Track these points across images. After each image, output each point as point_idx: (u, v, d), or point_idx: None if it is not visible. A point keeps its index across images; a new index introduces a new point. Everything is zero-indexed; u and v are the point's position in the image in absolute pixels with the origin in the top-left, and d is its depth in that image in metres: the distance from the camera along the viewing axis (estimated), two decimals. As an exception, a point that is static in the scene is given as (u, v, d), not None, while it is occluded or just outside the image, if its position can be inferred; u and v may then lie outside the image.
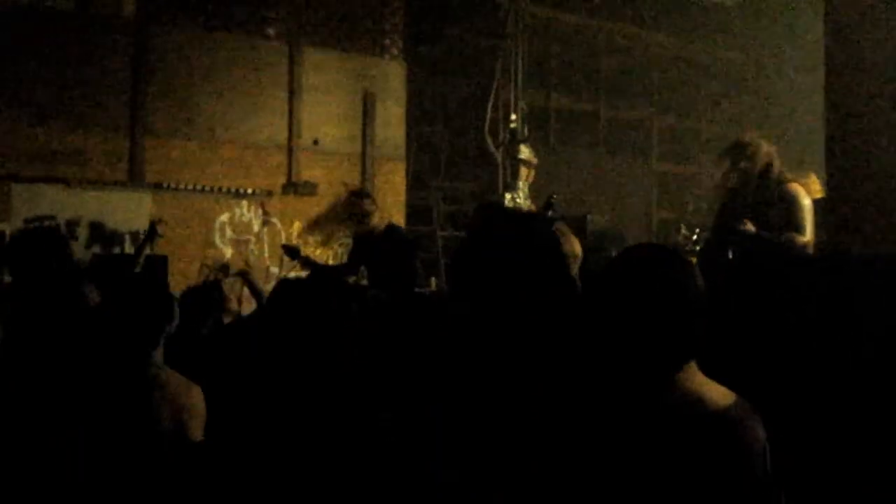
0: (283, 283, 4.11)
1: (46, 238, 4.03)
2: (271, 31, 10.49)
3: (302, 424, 2.94)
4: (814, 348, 2.33)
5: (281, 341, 3.55)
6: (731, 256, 4.73)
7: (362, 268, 6.81)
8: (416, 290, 7.03)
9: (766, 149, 5.15)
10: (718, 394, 1.97)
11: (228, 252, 9.98)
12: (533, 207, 10.17)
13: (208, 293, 5.37)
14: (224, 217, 10.02)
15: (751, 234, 4.91)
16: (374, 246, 6.80)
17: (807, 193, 5.15)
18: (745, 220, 4.94)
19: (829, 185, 4.47)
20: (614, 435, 1.94)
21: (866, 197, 3.94)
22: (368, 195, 7.25)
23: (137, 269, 7.03)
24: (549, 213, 6.57)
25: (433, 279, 11.03)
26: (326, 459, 2.85)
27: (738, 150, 5.22)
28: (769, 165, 5.10)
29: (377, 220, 6.90)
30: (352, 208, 6.98)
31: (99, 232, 9.36)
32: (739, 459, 1.88)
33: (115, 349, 3.00)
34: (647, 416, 1.93)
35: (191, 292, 5.36)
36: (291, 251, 7.62)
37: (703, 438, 1.88)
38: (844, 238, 4.04)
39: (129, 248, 9.30)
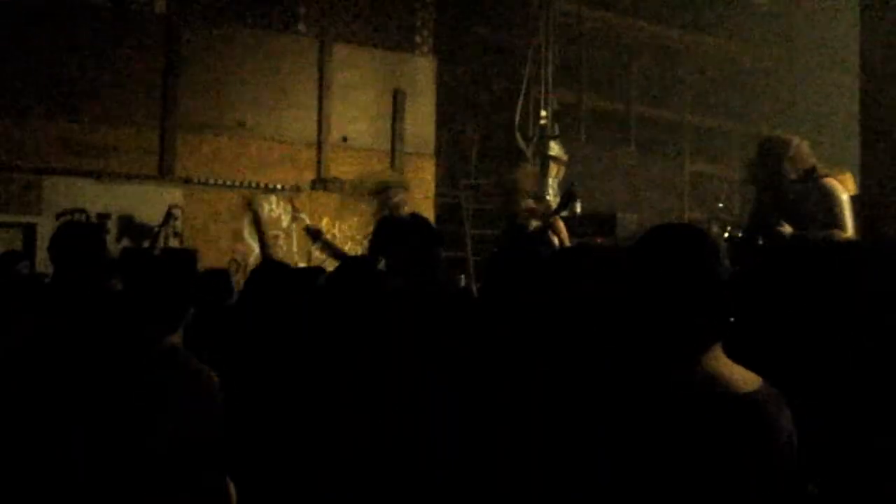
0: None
1: (84, 232, 4.06)
2: (302, 27, 10.51)
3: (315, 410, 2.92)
4: (845, 337, 2.27)
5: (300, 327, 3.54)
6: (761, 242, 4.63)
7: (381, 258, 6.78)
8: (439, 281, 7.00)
9: (802, 145, 5.03)
10: (744, 377, 1.92)
11: (257, 247, 9.99)
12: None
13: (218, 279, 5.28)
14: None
15: (789, 235, 4.80)
16: (396, 232, 6.77)
17: (844, 189, 5.03)
18: (783, 222, 4.82)
19: (862, 183, 4.38)
20: (640, 414, 1.90)
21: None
22: (397, 186, 7.22)
23: (155, 254, 7.00)
24: (572, 203, 6.49)
25: (462, 276, 11.00)
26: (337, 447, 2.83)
27: (774, 148, 5.10)
28: (805, 162, 4.98)
29: (401, 209, 6.87)
30: (383, 199, 6.96)
31: (129, 225, 9.41)
32: (763, 442, 1.83)
33: (134, 330, 2.98)
34: (672, 396, 1.89)
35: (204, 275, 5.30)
36: (313, 233, 7.56)
37: (727, 419, 1.84)
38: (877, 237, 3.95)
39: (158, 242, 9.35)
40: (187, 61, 9.83)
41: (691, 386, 1.88)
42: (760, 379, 1.92)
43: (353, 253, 9.92)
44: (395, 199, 6.89)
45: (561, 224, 6.03)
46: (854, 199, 5.13)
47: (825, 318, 2.29)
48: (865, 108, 4.62)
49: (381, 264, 6.72)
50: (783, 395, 1.90)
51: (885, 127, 4.45)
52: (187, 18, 9.87)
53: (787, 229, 4.79)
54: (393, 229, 6.68)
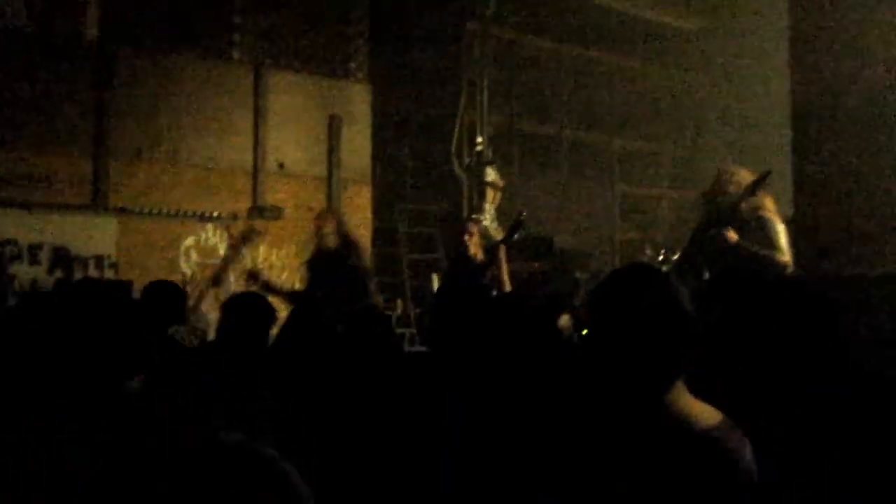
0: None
1: None
2: (236, 54, 10.48)
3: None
4: (791, 368, 2.37)
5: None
6: (707, 277, 4.83)
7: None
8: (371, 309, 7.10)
9: (742, 176, 5.34)
10: (705, 413, 2.00)
11: (190, 275, 9.91)
12: (500, 230, 10.23)
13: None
14: (189, 241, 9.95)
15: (733, 243, 5.11)
16: (328, 265, 6.86)
17: (780, 220, 5.33)
18: (729, 228, 5.13)
19: (795, 207, 4.57)
20: (603, 452, 1.97)
21: (831, 219, 4.02)
22: (327, 214, 7.30)
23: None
24: (519, 231, 6.65)
25: (398, 301, 11.04)
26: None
27: (716, 179, 5.44)
28: (743, 192, 5.27)
29: (335, 239, 6.97)
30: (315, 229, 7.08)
31: (62, 257, 9.24)
32: (724, 478, 1.90)
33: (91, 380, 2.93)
34: (637, 436, 1.96)
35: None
36: (254, 276, 7.62)
37: (690, 457, 1.91)
38: (811, 258, 4.11)
39: (92, 273, 9.20)
40: (120, 88, 9.71)
41: (654, 423, 1.95)
42: (721, 415, 2.01)
43: (290, 283, 9.91)
44: (325, 230, 6.98)
45: (503, 254, 6.18)
46: (789, 223, 5.42)
47: (782, 354, 2.39)
48: (796, 135, 4.80)
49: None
50: (743, 430, 1.99)
51: (815, 150, 4.63)
52: (119, 45, 9.75)
53: (733, 236, 5.11)
54: (325, 262, 6.77)
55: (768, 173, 4.99)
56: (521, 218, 6.49)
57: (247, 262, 10.16)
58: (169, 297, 5.14)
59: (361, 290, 6.91)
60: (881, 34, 4.35)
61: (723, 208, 5.22)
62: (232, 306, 4.32)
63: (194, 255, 9.98)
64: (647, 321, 1.99)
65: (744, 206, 5.24)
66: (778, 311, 2.35)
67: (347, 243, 7.15)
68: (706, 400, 2.03)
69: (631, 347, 2.00)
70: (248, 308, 4.27)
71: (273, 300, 7.32)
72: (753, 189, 5.07)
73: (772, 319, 2.33)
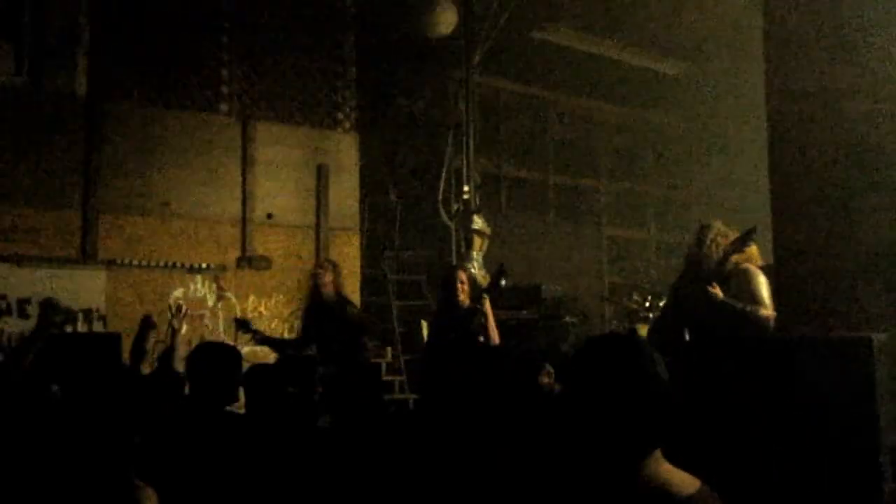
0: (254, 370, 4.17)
1: None
2: (224, 107, 10.57)
3: None
4: (768, 432, 2.41)
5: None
6: (686, 338, 4.86)
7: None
8: (366, 362, 7.14)
9: (724, 232, 5.41)
10: (683, 481, 2.04)
11: (183, 328, 9.89)
12: (487, 277, 10.27)
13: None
14: (178, 292, 9.96)
15: (718, 301, 5.13)
16: (324, 319, 6.90)
17: (760, 271, 5.39)
18: (714, 285, 5.16)
19: (775, 259, 4.62)
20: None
21: (810, 273, 4.07)
22: (326, 265, 7.34)
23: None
24: (502, 281, 6.71)
25: (388, 349, 11.05)
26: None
27: (700, 233, 5.51)
28: (726, 248, 5.33)
29: (331, 290, 7.01)
30: (312, 279, 7.13)
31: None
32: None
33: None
34: (615, 502, 1.99)
35: None
36: (243, 325, 7.67)
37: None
38: (791, 313, 4.16)
39: (81, 327, 9.19)
40: (109, 142, 9.78)
41: (633, 492, 1.99)
42: (699, 482, 2.04)
43: (279, 332, 9.93)
44: (324, 279, 7.02)
45: (488, 305, 6.23)
46: (767, 270, 5.46)
47: (746, 415, 2.43)
48: (773, 174, 4.83)
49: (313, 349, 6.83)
50: (721, 497, 2.02)
51: (791, 191, 4.67)
52: (108, 100, 9.84)
53: (719, 294, 5.13)
54: (321, 316, 6.81)
55: (753, 230, 5.05)
56: (503, 269, 6.56)
57: (236, 311, 10.21)
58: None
59: (357, 344, 6.94)
60: (854, 81, 4.42)
61: (707, 264, 5.27)
62: (197, 356, 4.28)
63: (183, 307, 9.96)
64: (622, 393, 2.03)
65: (727, 259, 5.29)
66: (742, 376, 2.40)
67: (343, 296, 7.19)
68: (684, 468, 2.07)
69: (607, 419, 2.04)
70: (213, 358, 4.22)
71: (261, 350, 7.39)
72: (739, 247, 5.13)
73: (738, 385, 2.38)
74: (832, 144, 4.37)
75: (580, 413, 2.09)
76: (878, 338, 2.89)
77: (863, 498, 2.44)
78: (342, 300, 7.15)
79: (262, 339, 7.58)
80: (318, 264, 7.57)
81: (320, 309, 7.07)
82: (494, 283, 6.63)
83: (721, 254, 5.20)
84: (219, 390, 4.07)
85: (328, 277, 7.12)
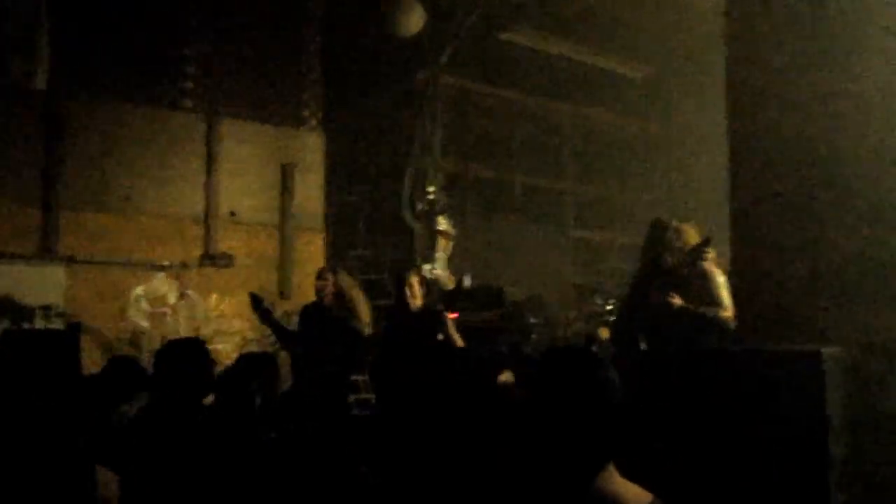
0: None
1: None
2: (189, 102, 10.49)
3: None
4: (719, 444, 2.44)
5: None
6: (643, 347, 4.86)
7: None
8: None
9: (682, 229, 5.36)
10: (635, 494, 2.05)
11: (145, 325, 9.82)
12: (452, 278, 10.28)
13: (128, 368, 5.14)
14: (140, 290, 9.87)
15: (677, 307, 5.10)
16: (321, 320, 6.82)
17: (720, 271, 5.36)
18: (673, 294, 5.13)
19: (732, 268, 4.64)
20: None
21: (766, 283, 4.10)
22: (323, 276, 7.19)
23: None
24: (459, 297, 6.71)
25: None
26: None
27: (657, 233, 5.43)
28: (686, 244, 5.30)
29: (331, 299, 6.90)
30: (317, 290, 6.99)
31: (8, 307, 9.11)
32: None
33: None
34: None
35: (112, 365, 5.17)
36: (256, 300, 7.43)
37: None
38: (746, 323, 4.18)
39: (39, 323, 9.08)
40: (70, 137, 9.67)
41: (586, 505, 2.00)
42: (651, 495, 2.06)
43: (240, 331, 9.85)
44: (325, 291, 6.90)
45: (449, 320, 6.21)
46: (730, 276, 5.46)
47: (700, 426, 2.45)
48: (733, 183, 4.87)
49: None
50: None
51: (751, 196, 4.70)
52: (70, 93, 9.72)
53: (677, 301, 5.10)
54: (320, 316, 6.74)
55: (708, 240, 5.03)
56: (462, 286, 6.55)
57: (198, 309, 10.13)
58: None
59: (356, 355, 6.82)
60: (814, 89, 4.45)
61: (664, 268, 5.23)
62: (166, 354, 4.21)
63: (144, 304, 9.89)
64: (577, 407, 2.04)
65: (685, 258, 5.26)
66: (696, 387, 2.41)
67: (346, 304, 6.94)
68: (637, 481, 2.08)
69: (562, 432, 2.05)
70: (184, 355, 4.15)
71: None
72: (696, 255, 5.09)
73: (692, 397, 2.40)
74: (790, 155, 4.41)
75: (537, 426, 2.10)
76: (828, 352, 2.93)
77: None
78: (343, 309, 6.93)
79: (269, 320, 7.35)
80: (319, 274, 7.32)
81: (318, 313, 6.95)
82: (452, 299, 6.62)
83: (679, 259, 5.18)
84: (191, 386, 4.01)
85: (329, 289, 6.97)
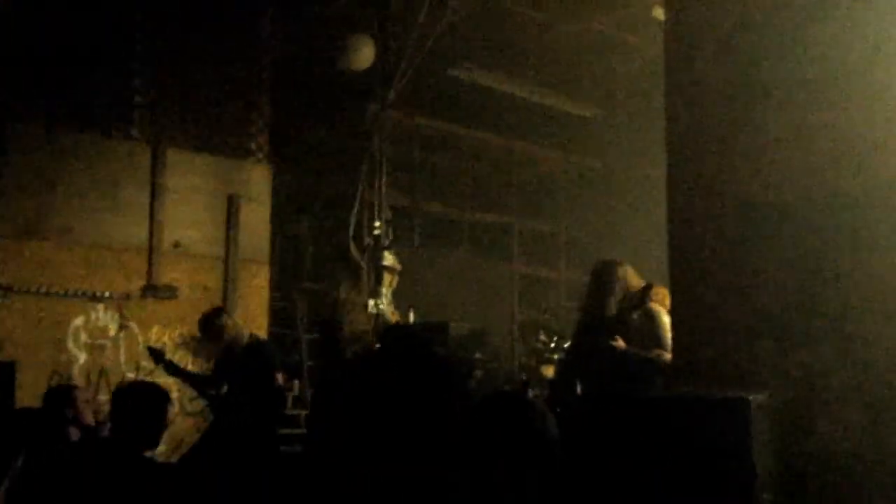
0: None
1: None
2: (135, 132, 10.37)
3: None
4: (649, 490, 2.46)
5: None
6: (579, 391, 4.88)
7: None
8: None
9: (627, 272, 5.40)
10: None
11: (82, 357, 9.64)
12: (396, 313, 10.27)
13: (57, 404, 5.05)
14: (79, 321, 9.69)
15: (621, 351, 5.11)
16: (236, 363, 6.76)
17: (665, 310, 5.38)
18: (616, 337, 5.13)
19: (672, 311, 4.66)
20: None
21: (705, 328, 4.13)
22: (218, 314, 7.20)
23: None
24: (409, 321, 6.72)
25: (296, 382, 10.94)
26: None
27: (602, 276, 5.46)
28: (629, 288, 5.33)
29: (233, 333, 6.87)
30: (206, 329, 6.94)
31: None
32: None
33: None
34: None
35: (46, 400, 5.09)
36: (156, 354, 7.43)
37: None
38: (683, 368, 4.20)
39: (-27, 355, 8.87)
40: (9, 163, 9.49)
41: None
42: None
43: (184, 364, 9.71)
44: (219, 324, 6.88)
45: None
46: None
47: (637, 473, 2.47)
48: (671, 223, 4.86)
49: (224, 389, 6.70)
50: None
51: (688, 241, 4.69)
52: (9, 119, 9.56)
53: (621, 344, 5.11)
54: (233, 360, 6.69)
55: (650, 286, 5.07)
56: (409, 311, 6.57)
57: (139, 341, 9.98)
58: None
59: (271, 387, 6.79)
60: (749, 136, 4.48)
61: (608, 310, 5.24)
62: (123, 396, 4.17)
63: (83, 336, 9.71)
64: (511, 452, 2.05)
65: (630, 299, 5.29)
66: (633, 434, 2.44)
67: (252, 350, 6.93)
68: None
69: (497, 475, 2.06)
70: (140, 398, 4.11)
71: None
72: (639, 302, 5.12)
73: (629, 444, 2.42)
74: (727, 196, 4.44)
75: (473, 469, 2.10)
76: (756, 398, 2.97)
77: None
78: (252, 344, 6.94)
79: (175, 370, 7.35)
80: (208, 314, 7.33)
81: (230, 361, 6.91)
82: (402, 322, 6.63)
83: (624, 304, 5.20)
84: (144, 434, 3.95)
85: (226, 322, 6.96)
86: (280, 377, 7.04)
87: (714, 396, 3.02)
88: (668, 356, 5.11)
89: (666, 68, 4.89)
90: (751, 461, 2.75)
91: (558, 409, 3.23)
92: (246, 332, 7.22)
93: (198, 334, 7.59)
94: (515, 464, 2.07)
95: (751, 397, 2.91)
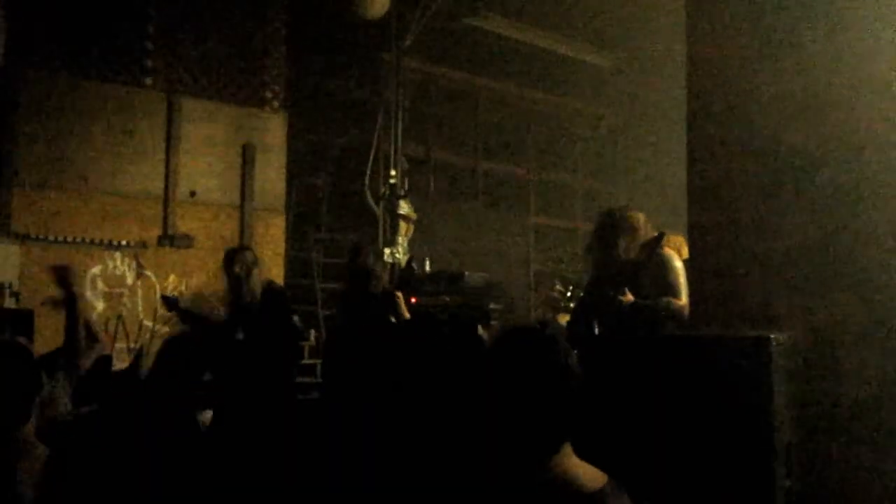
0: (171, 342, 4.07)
1: None
2: (149, 81, 10.33)
3: None
4: (669, 429, 2.44)
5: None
6: (596, 331, 4.83)
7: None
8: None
9: (639, 219, 5.30)
10: (590, 476, 2.04)
11: (100, 305, 9.70)
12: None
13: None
14: (96, 269, 9.73)
15: (630, 303, 5.04)
16: (253, 307, 6.73)
17: (678, 256, 5.31)
18: (624, 290, 5.06)
19: (690, 254, 4.61)
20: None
21: (722, 269, 4.10)
22: (249, 250, 7.15)
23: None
24: (413, 274, 6.68)
25: (312, 331, 10.95)
26: None
27: (611, 223, 5.36)
28: (642, 236, 5.23)
29: (257, 274, 6.82)
30: (235, 262, 6.85)
31: (-40, 285, 8.96)
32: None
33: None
34: (525, 497, 1.99)
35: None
36: (170, 302, 7.42)
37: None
38: (701, 309, 4.17)
39: (-7, 301, 8.94)
40: (25, 112, 9.48)
41: (540, 486, 1.99)
42: (606, 476, 2.05)
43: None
44: (247, 262, 6.84)
45: (401, 300, 6.19)
46: (687, 264, 5.42)
47: (651, 410, 2.45)
48: (691, 169, 4.82)
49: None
50: (627, 491, 2.04)
51: (708, 186, 4.67)
52: (26, 68, 9.53)
53: (629, 298, 5.04)
54: (248, 304, 6.66)
55: (662, 236, 4.97)
56: (411, 264, 6.54)
57: (156, 290, 10.02)
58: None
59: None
60: (773, 85, 4.43)
61: (618, 263, 5.14)
62: (167, 349, 4.15)
63: (101, 285, 9.76)
64: (534, 387, 2.03)
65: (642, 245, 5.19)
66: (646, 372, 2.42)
67: (270, 294, 6.85)
68: (593, 462, 2.08)
69: (519, 412, 2.04)
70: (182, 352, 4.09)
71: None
72: (649, 254, 5.02)
73: (642, 381, 2.40)
74: (751, 143, 4.40)
75: (493, 406, 2.08)
76: (778, 338, 2.94)
77: (758, 495, 2.49)
78: (269, 301, 6.86)
79: (188, 317, 7.31)
80: (234, 250, 7.22)
81: (244, 310, 6.85)
82: (403, 279, 6.60)
83: (633, 253, 5.11)
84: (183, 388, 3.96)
85: (239, 269, 6.89)
86: (297, 320, 7.00)
87: (734, 335, 2.99)
88: (678, 303, 5.04)
89: (686, 13, 4.83)
90: (771, 401, 2.73)
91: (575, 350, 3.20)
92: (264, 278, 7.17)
93: (221, 270, 7.41)
94: (540, 399, 2.04)
95: (772, 336, 2.88)
